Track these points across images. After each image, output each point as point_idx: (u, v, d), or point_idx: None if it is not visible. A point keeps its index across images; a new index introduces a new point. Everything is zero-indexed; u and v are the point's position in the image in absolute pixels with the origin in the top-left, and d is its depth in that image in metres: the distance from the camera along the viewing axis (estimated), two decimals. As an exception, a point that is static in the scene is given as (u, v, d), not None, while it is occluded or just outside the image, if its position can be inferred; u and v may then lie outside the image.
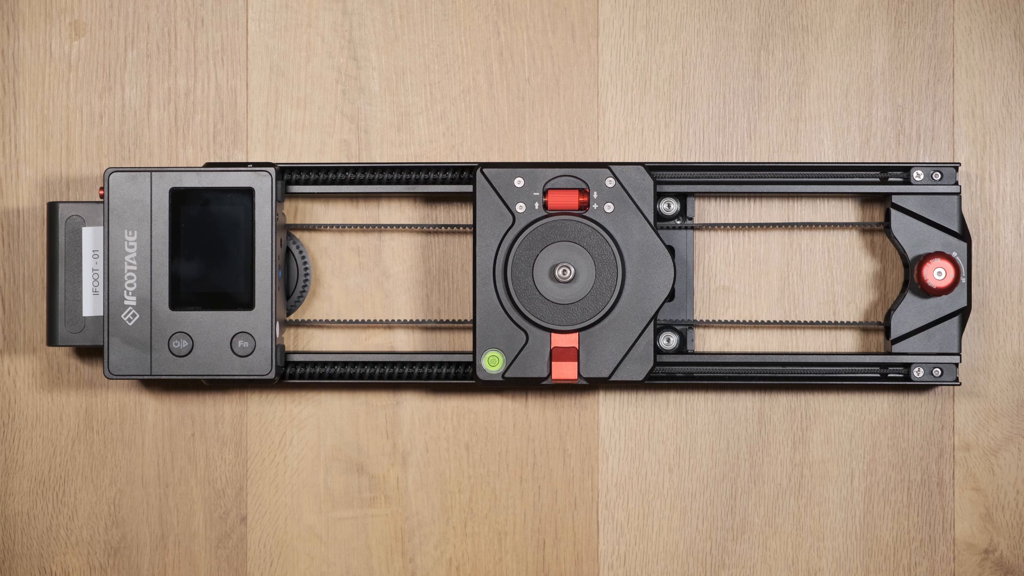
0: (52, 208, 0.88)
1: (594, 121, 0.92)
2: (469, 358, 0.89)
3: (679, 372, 0.89)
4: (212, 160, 0.92)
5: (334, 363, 0.90)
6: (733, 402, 0.91)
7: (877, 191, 0.89)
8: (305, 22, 0.92)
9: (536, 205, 0.87)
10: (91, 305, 0.88)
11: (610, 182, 0.87)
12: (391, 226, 0.92)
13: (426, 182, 0.90)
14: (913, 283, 0.88)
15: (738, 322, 0.91)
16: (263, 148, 0.92)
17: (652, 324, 0.87)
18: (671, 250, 0.88)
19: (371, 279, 0.92)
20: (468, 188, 0.89)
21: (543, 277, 0.87)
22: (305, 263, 0.90)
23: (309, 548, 0.91)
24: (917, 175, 0.89)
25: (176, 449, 0.92)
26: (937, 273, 0.87)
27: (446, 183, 0.89)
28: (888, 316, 0.89)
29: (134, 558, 0.92)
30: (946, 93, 0.91)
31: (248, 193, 0.87)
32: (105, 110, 0.92)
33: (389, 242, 0.92)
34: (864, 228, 0.91)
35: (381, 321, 0.91)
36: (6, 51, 0.92)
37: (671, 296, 0.89)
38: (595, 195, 0.87)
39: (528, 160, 0.91)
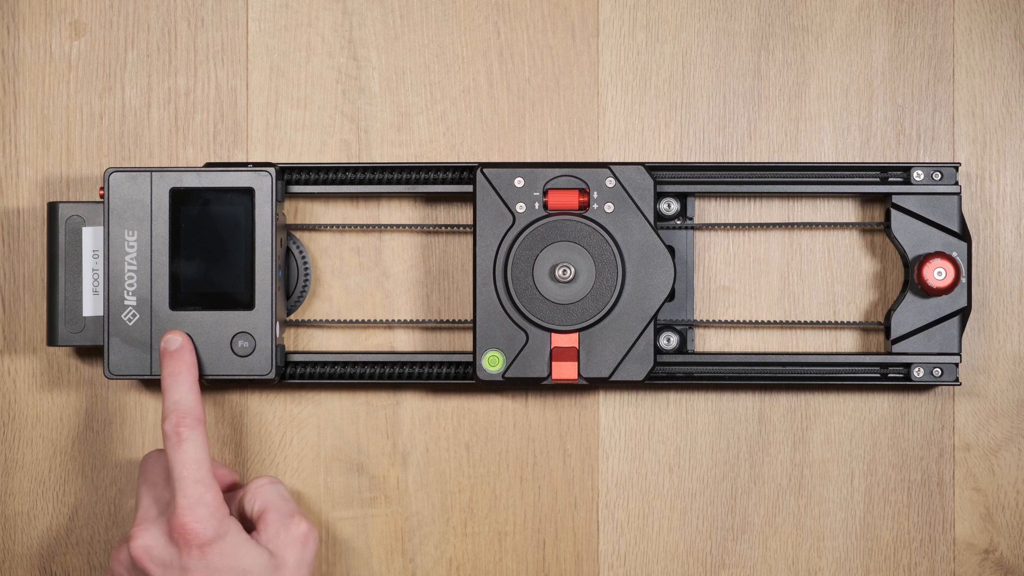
0: (52, 208, 0.88)
1: (594, 121, 0.92)
2: (469, 358, 0.89)
3: (679, 372, 0.89)
4: (212, 160, 0.92)
5: (334, 363, 0.90)
6: (733, 402, 0.91)
7: (877, 191, 0.89)
8: (305, 22, 0.92)
9: (536, 205, 0.87)
10: (91, 305, 0.88)
11: (610, 182, 0.87)
12: (391, 226, 0.92)
13: (426, 182, 0.90)
14: (913, 283, 0.88)
15: (738, 322, 0.91)
16: (263, 148, 0.92)
17: (652, 324, 0.87)
18: (671, 250, 0.88)
19: (371, 279, 0.92)
20: (468, 188, 0.89)
21: (543, 277, 0.87)
22: (305, 263, 0.90)
23: (309, 548, 0.91)
24: (917, 175, 0.89)
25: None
26: (937, 273, 0.87)
27: (446, 183, 0.89)
28: (888, 316, 0.89)
29: (134, 558, 0.92)
30: (946, 93, 0.91)
31: (248, 193, 0.87)
32: (105, 110, 0.92)
33: (389, 242, 0.92)
34: (864, 228, 0.91)
35: (381, 321, 0.91)
36: (6, 51, 0.92)
37: (671, 296, 0.89)
38: (595, 195, 0.87)
39: (528, 160, 0.91)
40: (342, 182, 0.89)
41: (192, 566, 0.81)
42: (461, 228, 0.91)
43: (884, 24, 0.91)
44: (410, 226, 0.91)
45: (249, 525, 0.86)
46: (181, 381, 0.84)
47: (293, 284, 0.90)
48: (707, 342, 0.92)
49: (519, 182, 0.87)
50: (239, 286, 0.87)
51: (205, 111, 0.92)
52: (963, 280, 0.88)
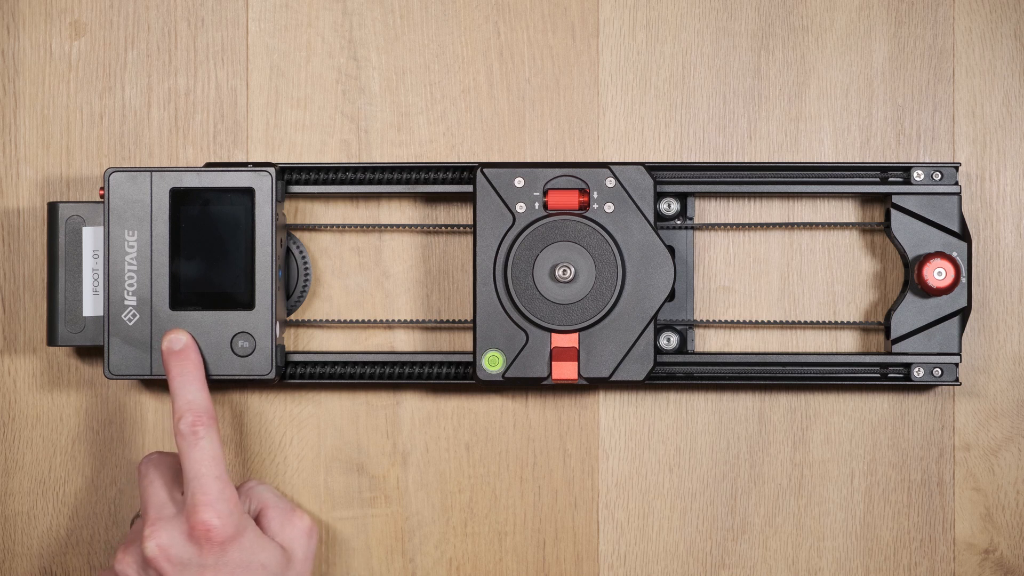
0: (52, 208, 0.88)
1: (594, 121, 0.92)
2: (469, 358, 0.89)
3: (679, 372, 0.89)
4: (212, 160, 0.92)
5: (334, 363, 0.90)
6: (733, 402, 0.91)
7: (877, 191, 0.89)
8: (305, 22, 0.92)
9: (536, 205, 0.87)
10: (91, 305, 0.88)
11: (610, 182, 0.87)
12: (391, 226, 0.92)
13: (426, 182, 0.90)
14: (913, 283, 0.88)
15: (738, 322, 0.91)
16: (263, 148, 0.92)
17: (652, 324, 0.87)
18: (671, 250, 0.88)
19: (371, 279, 0.92)
20: (468, 188, 0.89)
21: (543, 277, 0.87)
22: (305, 263, 0.90)
23: (309, 548, 0.91)
24: (917, 175, 0.89)
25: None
26: (937, 273, 0.87)
27: (446, 183, 0.89)
28: (888, 316, 0.89)
29: (134, 558, 0.92)
30: (946, 93, 0.91)
31: (248, 193, 0.87)
32: (105, 110, 0.92)
33: (389, 242, 0.92)
34: (864, 228, 0.91)
35: (381, 321, 0.91)
36: (6, 51, 0.92)
37: (671, 296, 0.89)
38: (595, 195, 0.87)
39: (528, 160, 0.91)
40: (342, 182, 0.89)
41: (211, 564, 0.81)
42: (461, 228, 0.91)
43: (884, 24, 0.91)
44: (410, 226, 0.91)
45: None
46: (191, 380, 0.84)
47: (293, 284, 0.90)
48: (707, 342, 0.92)
49: (519, 182, 0.87)
50: (239, 286, 0.87)
51: (205, 111, 0.92)
52: (963, 280, 0.88)
